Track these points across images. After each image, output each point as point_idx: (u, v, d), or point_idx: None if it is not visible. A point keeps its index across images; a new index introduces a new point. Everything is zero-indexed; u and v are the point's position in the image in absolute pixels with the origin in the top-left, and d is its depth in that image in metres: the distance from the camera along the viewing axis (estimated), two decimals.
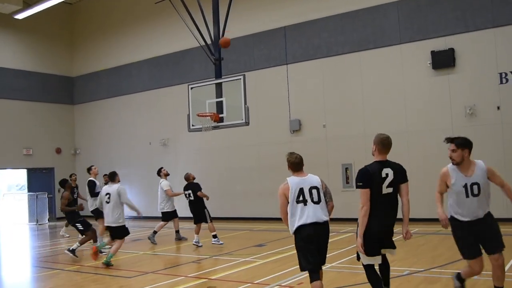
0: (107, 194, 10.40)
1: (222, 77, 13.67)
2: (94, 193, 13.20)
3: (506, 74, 13.86)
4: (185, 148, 19.86)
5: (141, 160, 21.12)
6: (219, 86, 13.29)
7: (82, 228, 11.51)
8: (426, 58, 14.98)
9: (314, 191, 5.84)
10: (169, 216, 13.62)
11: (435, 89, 14.88)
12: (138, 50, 21.69)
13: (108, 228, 10.52)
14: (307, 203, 5.74)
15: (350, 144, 15.91)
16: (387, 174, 5.44)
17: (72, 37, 24.70)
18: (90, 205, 13.43)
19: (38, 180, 22.86)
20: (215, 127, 13.29)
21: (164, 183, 13.73)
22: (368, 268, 5.62)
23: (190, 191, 12.38)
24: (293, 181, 5.85)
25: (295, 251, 5.93)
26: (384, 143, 5.58)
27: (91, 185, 13.46)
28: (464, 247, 5.72)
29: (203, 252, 11.47)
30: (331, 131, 16.52)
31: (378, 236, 5.50)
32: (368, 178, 5.43)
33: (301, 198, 5.75)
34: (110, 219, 10.32)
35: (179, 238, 13.65)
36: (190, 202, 12.41)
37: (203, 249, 11.79)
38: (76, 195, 14.47)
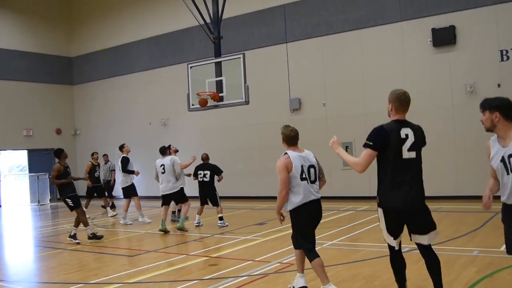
0: (161, 165, 11.49)
1: (222, 56, 13.57)
2: (126, 170, 13.64)
3: (506, 52, 13.79)
4: (185, 128, 19.86)
5: (141, 140, 21.12)
6: (218, 65, 13.19)
7: (72, 205, 10.64)
8: (427, 36, 14.89)
9: (312, 170, 5.80)
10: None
11: (436, 67, 14.82)
12: (137, 29, 21.56)
13: (167, 196, 11.45)
14: (308, 182, 5.71)
15: (350, 122, 15.90)
16: (406, 135, 4.58)
17: (71, 17, 24.52)
18: (124, 182, 13.77)
19: (39, 161, 22.90)
20: (215, 106, 13.25)
21: (175, 158, 13.20)
22: (390, 249, 4.85)
23: (208, 172, 11.99)
24: (294, 157, 5.72)
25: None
26: (401, 100, 4.68)
27: (125, 162, 13.73)
28: (508, 239, 4.36)
29: (204, 230, 11.54)
30: (331, 110, 16.50)
31: (399, 214, 4.61)
32: (383, 138, 4.53)
33: (304, 176, 5.67)
34: (167, 187, 11.37)
35: (175, 220, 13.15)
36: (204, 183, 11.95)
37: (205, 228, 11.86)
38: (97, 173, 15.47)
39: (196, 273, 7.55)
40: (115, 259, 8.95)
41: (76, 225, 10.75)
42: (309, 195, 5.64)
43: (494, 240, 8.31)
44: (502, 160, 4.14)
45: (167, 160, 11.64)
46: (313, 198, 5.67)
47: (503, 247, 7.62)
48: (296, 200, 5.61)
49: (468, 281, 6.02)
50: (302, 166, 5.70)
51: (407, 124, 4.67)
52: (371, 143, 4.55)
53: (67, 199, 10.60)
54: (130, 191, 13.78)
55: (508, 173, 4.12)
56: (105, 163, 16.70)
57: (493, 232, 9.00)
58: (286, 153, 5.78)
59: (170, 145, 14.07)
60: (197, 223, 12.11)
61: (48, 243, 11.07)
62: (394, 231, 4.69)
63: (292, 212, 5.68)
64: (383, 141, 4.50)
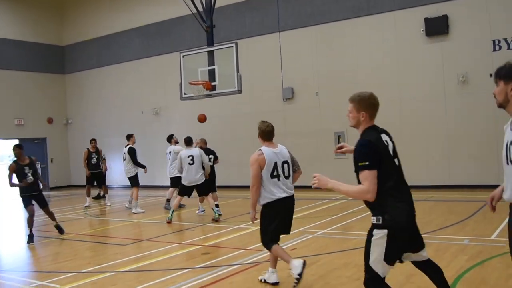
0: (189, 156, 11.30)
1: (214, 45, 13.53)
2: (137, 162, 13.75)
3: (499, 41, 13.81)
4: (177, 117, 19.81)
5: (133, 129, 20.91)
6: (211, 54, 13.17)
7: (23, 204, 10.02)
8: (420, 25, 14.88)
9: (285, 166, 5.94)
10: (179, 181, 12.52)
11: (428, 56, 14.83)
12: (129, 18, 21.42)
13: (193, 187, 11.39)
14: (280, 178, 5.84)
15: (343, 112, 15.81)
16: (387, 142, 3.98)
17: (63, 5, 24.29)
18: (129, 172, 13.81)
19: (31, 151, 22.66)
20: (207, 95, 13.25)
21: (177, 147, 13.54)
22: (376, 282, 3.96)
23: (212, 156, 12.38)
24: (268, 153, 5.83)
25: None
26: (375, 105, 4.06)
27: (134, 153, 13.74)
28: None
29: (197, 220, 11.55)
30: (323, 99, 16.50)
31: (408, 230, 3.91)
32: (375, 152, 3.83)
33: (275, 173, 5.80)
34: (194, 178, 11.27)
35: (168, 208, 13.14)
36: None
37: (196, 217, 11.87)
38: (94, 160, 15.68)
39: (189, 261, 7.56)
40: (107, 248, 8.96)
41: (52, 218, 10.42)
42: (280, 192, 5.78)
43: (484, 229, 8.38)
44: (506, 145, 3.35)
45: (195, 151, 11.47)
46: (284, 196, 5.81)
47: (494, 236, 7.73)
48: (266, 195, 5.79)
49: (458, 269, 6.07)
50: (275, 163, 5.82)
51: (381, 129, 4.08)
52: (367, 163, 3.78)
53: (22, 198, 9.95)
54: (134, 181, 13.76)
55: (507, 163, 3.34)
56: (94, 151, 16.62)
57: (484, 221, 9.07)
58: (260, 150, 5.89)
59: (172, 135, 14.18)
60: (201, 211, 12.27)
61: (40, 232, 11.02)
62: (396, 256, 3.96)
63: (263, 206, 5.87)
64: (377, 156, 3.82)
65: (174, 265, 7.23)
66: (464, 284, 5.59)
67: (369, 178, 3.77)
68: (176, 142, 14.04)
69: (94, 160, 15.73)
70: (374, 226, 3.92)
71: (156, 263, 7.48)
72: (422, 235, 4.14)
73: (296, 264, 5.52)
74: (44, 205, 10.11)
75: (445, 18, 14.45)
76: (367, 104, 4.02)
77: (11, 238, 11.30)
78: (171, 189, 13.54)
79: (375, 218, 3.91)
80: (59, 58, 24.03)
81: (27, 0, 22.78)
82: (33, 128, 22.75)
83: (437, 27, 14.62)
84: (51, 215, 10.29)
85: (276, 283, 5.95)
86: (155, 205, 14.80)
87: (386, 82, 15.33)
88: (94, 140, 16.08)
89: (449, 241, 7.71)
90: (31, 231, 9.74)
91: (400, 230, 3.83)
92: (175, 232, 10.35)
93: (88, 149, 15.81)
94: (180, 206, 13.30)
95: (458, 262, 6.42)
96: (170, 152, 13.62)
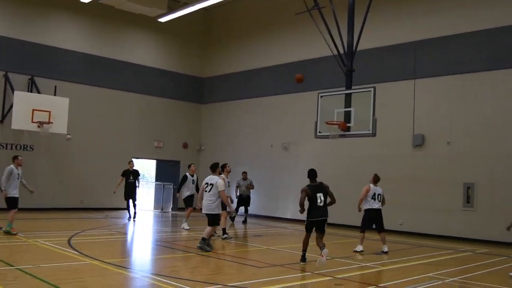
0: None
1: (353, 88, 13.99)
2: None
3: None
4: (305, 153, 20.44)
5: (262, 161, 22.05)
6: (348, 96, 13.68)
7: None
8: None
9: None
10: None
11: None
12: (268, 55, 22.70)
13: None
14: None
15: (475, 163, 15.67)
16: None
17: (206, 41, 26.32)
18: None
19: (165, 171, 24.65)
20: (342, 135, 13.72)
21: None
22: None
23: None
24: None
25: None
26: None
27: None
28: None
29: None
30: (455, 149, 16.32)
31: None
32: None
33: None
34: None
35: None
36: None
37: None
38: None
39: None
40: (246, 268, 9.69)
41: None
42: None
43: None
44: None
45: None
46: None
47: None
48: None
49: None
50: None
51: None
52: None
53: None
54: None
55: None
56: (244, 179, 18.70)
57: None
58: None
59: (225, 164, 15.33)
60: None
61: (180, 246, 12.05)
62: None
63: None
64: None
65: None
66: None
67: None
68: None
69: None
70: None
71: (293, 287, 8.04)
72: None
73: None
74: None
75: None
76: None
77: (155, 248, 12.45)
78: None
79: None
80: (198, 89, 25.93)
81: (176, 34, 24.99)
82: (170, 151, 24.64)
83: None
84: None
85: None
86: (282, 235, 15.44)
87: None
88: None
89: None
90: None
91: None
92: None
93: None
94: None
95: None
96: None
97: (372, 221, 12.64)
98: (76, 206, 20.92)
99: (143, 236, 14.92)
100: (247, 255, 11.19)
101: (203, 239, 11.36)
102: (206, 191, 11.62)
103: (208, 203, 11.53)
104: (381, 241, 12.51)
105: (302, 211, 10.31)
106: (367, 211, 12.68)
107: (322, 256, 9.53)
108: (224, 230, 13.76)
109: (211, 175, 11.88)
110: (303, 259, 10.23)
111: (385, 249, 12.21)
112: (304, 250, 10.29)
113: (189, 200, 16.08)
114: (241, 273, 9.21)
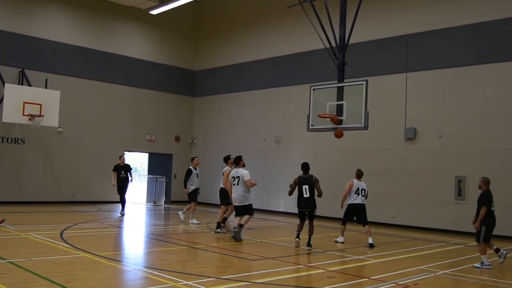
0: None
1: (345, 81, 14.00)
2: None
3: None
4: (297, 146, 20.49)
5: (254, 154, 22.06)
6: (340, 89, 13.69)
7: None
8: None
9: None
10: None
11: None
12: (260, 48, 22.69)
13: None
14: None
15: (466, 156, 15.77)
16: None
17: (197, 33, 26.27)
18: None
19: (158, 165, 24.61)
20: (333, 129, 13.73)
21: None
22: None
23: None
24: None
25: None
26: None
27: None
28: None
29: (319, 246, 12.02)
30: (446, 142, 16.41)
31: None
32: None
33: None
34: None
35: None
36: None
37: (320, 243, 12.34)
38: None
39: (317, 282, 8.08)
40: (239, 261, 9.71)
41: None
42: None
43: None
44: None
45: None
46: None
47: None
48: None
49: None
50: None
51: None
52: None
53: None
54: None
55: None
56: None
57: None
58: None
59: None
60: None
61: (173, 239, 12.07)
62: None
63: None
64: None
65: (303, 284, 7.77)
66: None
67: None
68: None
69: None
70: None
71: (287, 279, 8.08)
72: None
73: None
74: None
75: None
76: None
77: (148, 241, 12.46)
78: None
79: None
80: (190, 82, 25.87)
81: (167, 27, 24.89)
82: (162, 144, 24.61)
83: None
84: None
85: None
86: (274, 228, 15.48)
87: None
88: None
89: None
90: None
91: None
92: (298, 254, 10.89)
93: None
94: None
95: None
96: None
97: (354, 214, 12.84)
98: (68, 200, 20.88)
99: (136, 229, 14.91)
100: (240, 248, 11.21)
101: (240, 225, 12.16)
102: (234, 184, 12.38)
103: (239, 195, 12.28)
104: (365, 233, 12.58)
105: (289, 194, 12.06)
106: (350, 205, 12.90)
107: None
108: (218, 224, 13.77)
109: (236, 168, 12.75)
110: (297, 237, 11.53)
111: (370, 240, 12.28)
112: (298, 231, 11.63)
113: (193, 194, 15.79)
114: (234, 266, 9.24)
